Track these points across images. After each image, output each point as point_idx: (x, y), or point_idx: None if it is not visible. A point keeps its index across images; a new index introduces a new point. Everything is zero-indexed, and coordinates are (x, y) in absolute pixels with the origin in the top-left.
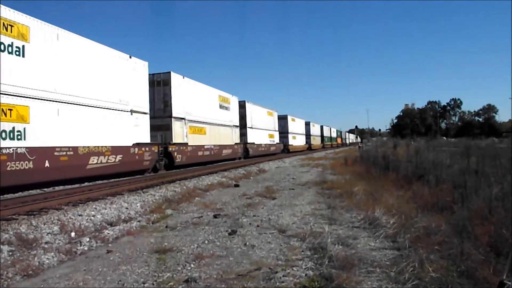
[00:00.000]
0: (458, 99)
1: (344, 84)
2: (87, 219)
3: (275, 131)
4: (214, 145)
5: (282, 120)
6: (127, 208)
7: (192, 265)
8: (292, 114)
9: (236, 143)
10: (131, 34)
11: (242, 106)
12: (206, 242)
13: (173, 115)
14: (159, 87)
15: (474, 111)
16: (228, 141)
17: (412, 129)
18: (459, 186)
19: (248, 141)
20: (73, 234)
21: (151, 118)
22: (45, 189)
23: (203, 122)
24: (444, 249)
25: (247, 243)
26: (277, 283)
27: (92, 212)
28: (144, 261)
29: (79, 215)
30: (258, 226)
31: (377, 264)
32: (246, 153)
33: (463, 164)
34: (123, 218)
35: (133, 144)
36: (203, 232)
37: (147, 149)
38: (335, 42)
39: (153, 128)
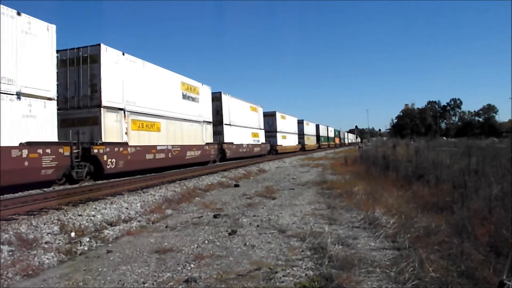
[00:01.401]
0: (458, 99)
1: (344, 84)
2: (87, 219)
3: (260, 129)
4: (173, 145)
5: (270, 118)
6: (127, 208)
7: (192, 265)
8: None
9: (207, 143)
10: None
11: (217, 98)
12: (206, 242)
13: (104, 103)
14: (85, 66)
15: (474, 111)
16: (195, 140)
17: (412, 129)
18: (459, 186)
19: (225, 141)
20: (73, 234)
21: (74, 108)
22: (45, 189)
23: (157, 116)
24: (444, 249)
25: (247, 243)
26: (277, 283)
27: (92, 212)
28: (144, 261)
29: (79, 215)
30: (258, 226)
31: (377, 264)
32: (223, 155)
33: (463, 164)
34: (123, 218)
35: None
36: (203, 232)
37: (48, 151)
38: (335, 42)
39: (77, 122)
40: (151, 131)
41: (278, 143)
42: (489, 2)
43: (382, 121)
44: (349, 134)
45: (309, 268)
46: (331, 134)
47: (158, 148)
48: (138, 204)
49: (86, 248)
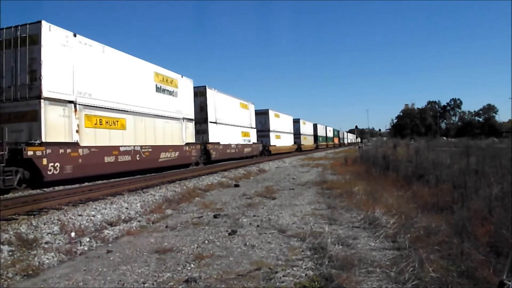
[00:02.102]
0: (458, 99)
1: (344, 84)
2: (87, 219)
3: (252, 128)
4: (142, 146)
5: (262, 116)
6: (127, 208)
7: (192, 265)
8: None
9: (188, 144)
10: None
11: (201, 93)
12: (206, 242)
13: (45, 94)
14: (24, 48)
15: (474, 111)
16: (173, 140)
17: (412, 129)
18: (459, 186)
19: (211, 141)
20: (73, 234)
21: (11, 100)
22: (45, 189)
23: (121, 111)
24: (444, 249)
25: (247, 243)
26: (277, 283)
27: (92, 212)
28: (144, 261)
29: (79, 215)
30: (258, 226)
31: (377, 264)
32: (207, 157)
33: (463, 164)
34: (123, 218)
35: None
36: (203, 232)
37: None
38: (335, 42)
39: (14, 118)
40: (113, 129)
41: (272, 143)
42: (489, 2)
43: (382, 121)
44: (348, 134)
45: (309, 268)
46: (330, 134)
47: (122, 149)
48: (138, 204)
49: (86, 248)
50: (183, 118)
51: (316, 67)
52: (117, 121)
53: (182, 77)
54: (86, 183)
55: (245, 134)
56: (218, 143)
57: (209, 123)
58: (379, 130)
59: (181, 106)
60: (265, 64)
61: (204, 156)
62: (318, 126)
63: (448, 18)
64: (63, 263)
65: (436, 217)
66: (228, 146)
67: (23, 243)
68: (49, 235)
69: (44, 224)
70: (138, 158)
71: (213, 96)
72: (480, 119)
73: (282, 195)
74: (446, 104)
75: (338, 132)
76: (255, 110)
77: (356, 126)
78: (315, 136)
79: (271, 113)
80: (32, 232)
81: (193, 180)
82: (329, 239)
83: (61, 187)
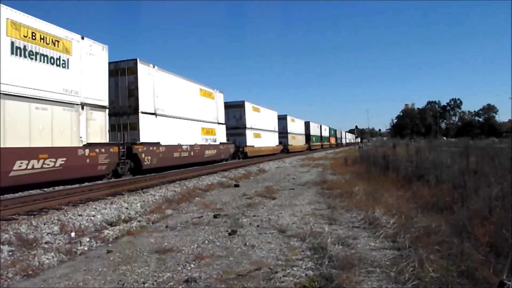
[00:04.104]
0: (458, 99)
1: (344, 84)
2: (87, 219)
3: (219, 124)
4: None
5: (236, 109)
6: (127, 208)
7: (192, 265)
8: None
9: (90, 145)
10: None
11: (130, 70)
12: (206, 242)
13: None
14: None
15: (474, 111)
16: (59, 138)
17: (412, 129)
18: (459, 186)
19: (143, 140)
20: (73, 234)
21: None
22: (45, 189)
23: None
24: (444, 249)
25: (247, 243)
26: (277, 283)
27: (92, 212)
28: (144, 261)
29: (79, 215)
30: (258, 226)
31: (377, 264)
32: (136, 164)
33: (462, 164)
34: (123, 218)
35: None
36: (203, 232)
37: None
38: (335, 42)
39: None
40: None
41: (248, 143)
42: (489, 2)
43: (382, 121)
44: (347, 133)
45: (309, 268)
46: (326, 133)
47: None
48: (138, 204)
49: (86, 248)
50: (83, 104)
51: (316, 67)
52: None
53: (83, 38)
54: (86, 183)
55: (208, 132)
56: (158, 143)
57: (140, 115)
58: (379, 130)
59: (76, 84)
60: (265, 64)
61: (129, 164)
62: (311, 124)
63: (448, 18)
64: (63, 263)
65: (436, 217)
66: (175, 147)
67: (23, 243)
68: (49, 235)
69: (44, 224)
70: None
71: (149, 76)
72: (480, 119)
73: (282, 195)
74: (446, 104)
75: (335, 131)
76: (228, 103)
77: (356, 126)
78: (307, 135)
79: (248, 106)
80: (32, 232)
81: (193, 180)
82: (329, 239)
83: (61, 187)
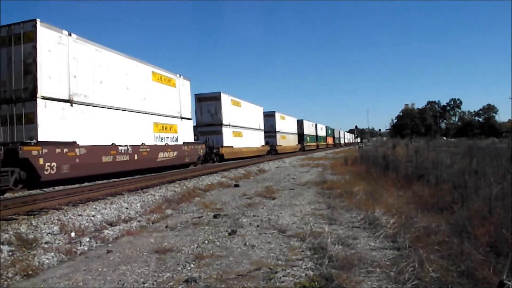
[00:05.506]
0: (458, 99)
1: (344, 84)
2: (87, 219)
3: (184, 119)
4: None
5: (211, 102)
6: (127, 208)
7: (192, 265)
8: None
9: None
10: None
11: (28, 37)
12: (206, 242)
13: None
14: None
15: (474, 111)
16: None
17: (412, 129)
18: (459, 186)
19: (42, 139)
20: (73, 234)
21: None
22: (45, 189)
23: None
24: (444, 249)
25: (247, 243)
26: (277, 283)
27: (92, 212)
28: (144, 261)
29: (79, 215)
30: (258, 226)
31: (377, 264)
32: (33, 176)
33: (463, 164)
34: (123, 218)
35: None
36: (203, 232)
37: None
38: (335, 42)
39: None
40: None
41: (226, 144)
42: (489, 2)
43: (382, 121)
44: (347, 133)
45: (309, 268)
46: (322, 133)
47: None
48: (138, 204)
49: (86, 248)
50: None
51: (315, 67)
52: None
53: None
54: (86, 183)
55: (165, 128)
56: (73, 143)
57: (40, 101)
58: (379, 130)
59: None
60: (265, 64)
61: (17, 173)
62: (305, 122)
63: (448, 17)
64: (63, 263)
65: (436, 217)
66: (105, 149)
67: (23, 243)
68: (49, 235)
69: (44, 224)
70: None
71: (61, 47)
72: (480, 119)
73: (282, 195)
74: (446, 104)
75: (332, 131)
76: (200, 94)
77: (356, 126)
78: (301, 135)
79: (226, 99)
80: (32, 232)
81: (193, 180)
82: (329, 239)
83: (61, 187)
